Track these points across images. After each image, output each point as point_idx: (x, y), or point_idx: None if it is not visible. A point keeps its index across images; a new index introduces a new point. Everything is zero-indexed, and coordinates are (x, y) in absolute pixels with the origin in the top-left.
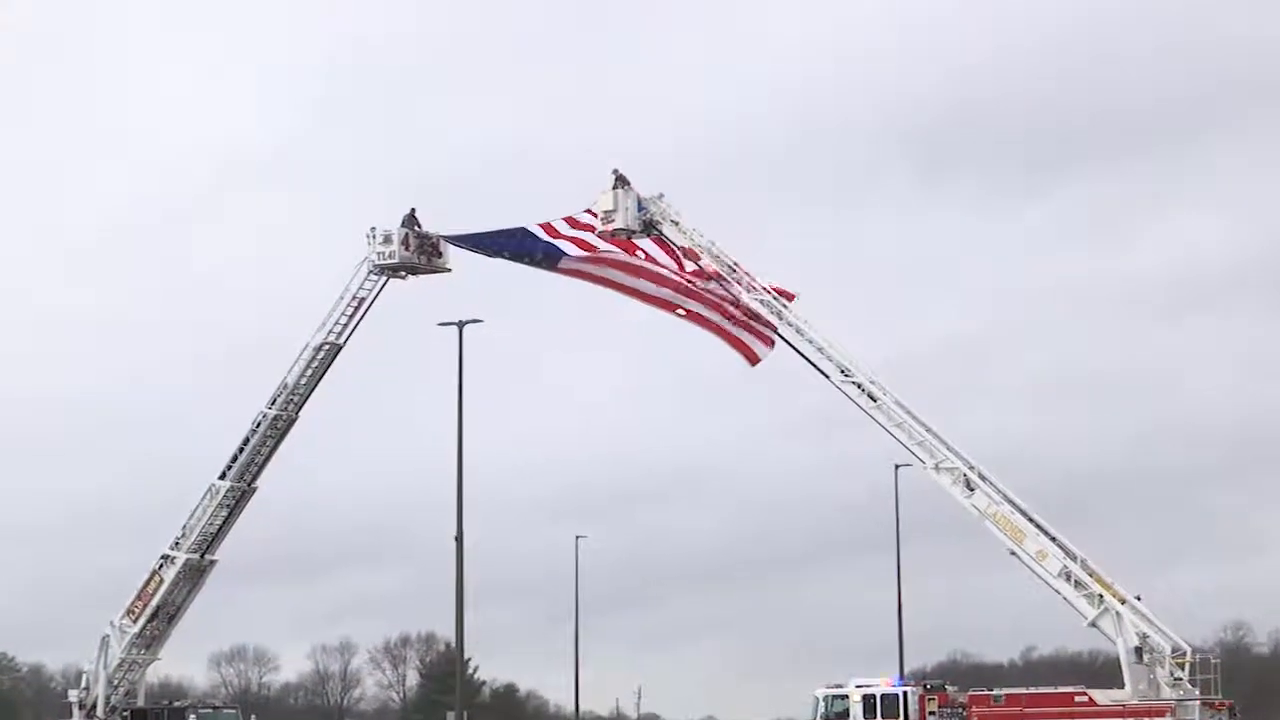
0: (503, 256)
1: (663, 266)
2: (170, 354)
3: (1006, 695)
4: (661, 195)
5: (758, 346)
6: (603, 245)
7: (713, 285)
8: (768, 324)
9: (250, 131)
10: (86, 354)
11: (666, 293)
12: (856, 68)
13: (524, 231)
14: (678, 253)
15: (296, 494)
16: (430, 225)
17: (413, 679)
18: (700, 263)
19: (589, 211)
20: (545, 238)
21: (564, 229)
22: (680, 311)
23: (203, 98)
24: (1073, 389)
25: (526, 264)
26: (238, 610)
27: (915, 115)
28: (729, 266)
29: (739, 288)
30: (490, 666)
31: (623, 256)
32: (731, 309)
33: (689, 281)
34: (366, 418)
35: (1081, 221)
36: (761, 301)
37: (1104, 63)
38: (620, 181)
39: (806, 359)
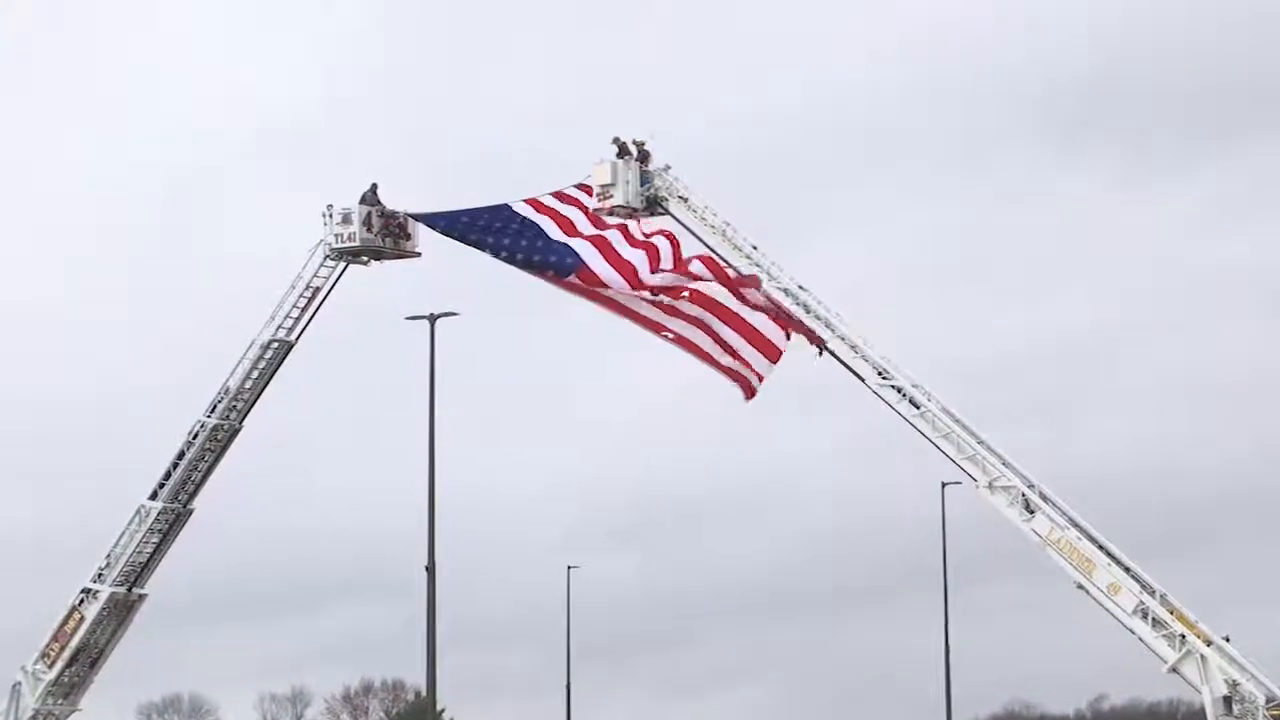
0: (467, 241)
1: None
2: (127, 358)
3: None
4: (668, 167)
5: (759, 365)
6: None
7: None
8: (784, 324)
9: (264, 111)
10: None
11: (649, 309)
12: (982, 24)
13: (507, 211)
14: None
15: (242, 518)
16: (410, 204)
17: None
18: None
19: (582, 186)
20: (532, 215)
21: (558, 209)
22: (668, 334)
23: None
24: (1208, 394)
25: (500, 257)
26: (172, 653)
27: (1050, 78)
28: (745, 253)
29: (759, 276)
30: (470, 718)
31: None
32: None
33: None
34: (326, 428)
35: (1239, 201)
36: (784, 291)
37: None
38: (622, 151)
39: (838, 359)
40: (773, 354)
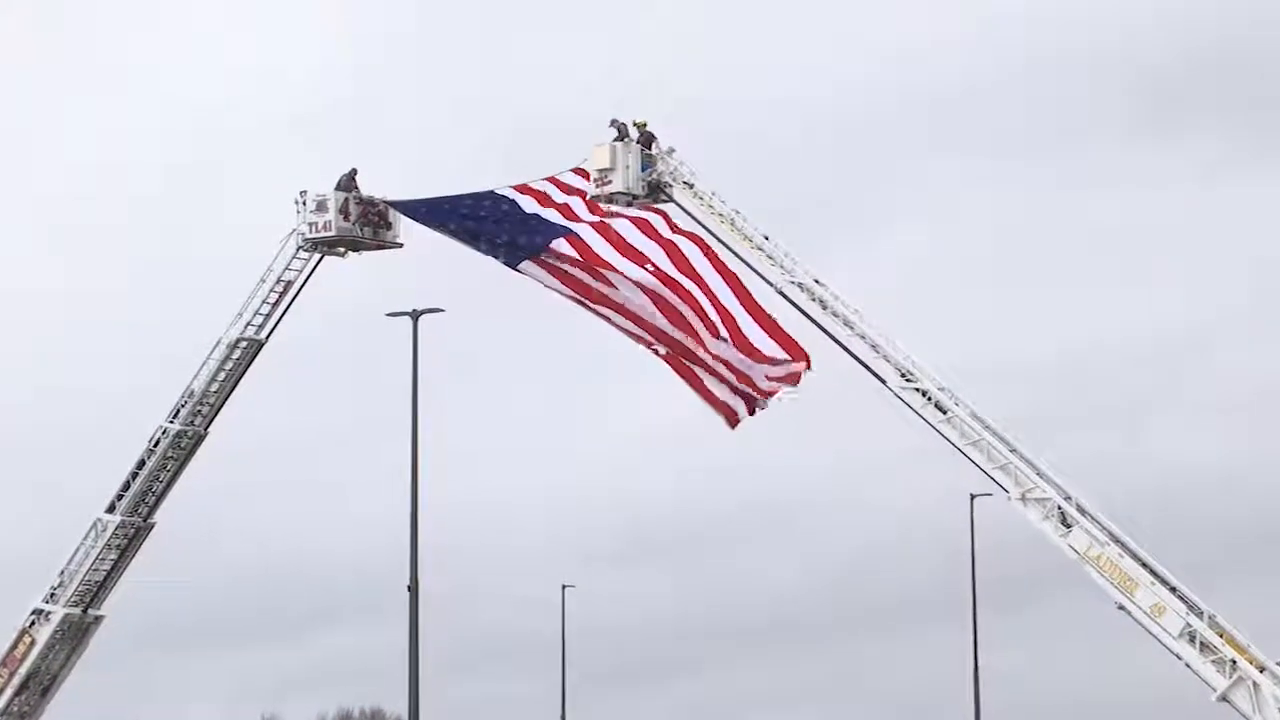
0: (449, 232)
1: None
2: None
3: None
4: (672, 150)
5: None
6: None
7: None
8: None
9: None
10: None
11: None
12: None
13: (494, 198)
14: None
15: (211, 533)
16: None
17: None
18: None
19: (578, 171)
20: (526, 208)
21: (555, 196)
22: (658, 350)
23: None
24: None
25: (485, 251)
26: (133, 680)
27: (1143, 53)
28: (756, 244)
29: (769, 269)
30: None
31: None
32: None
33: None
34: (300, 435)
35: None
36: (799, 285)
37: None
38: (621, 133)
39: (858, 359)
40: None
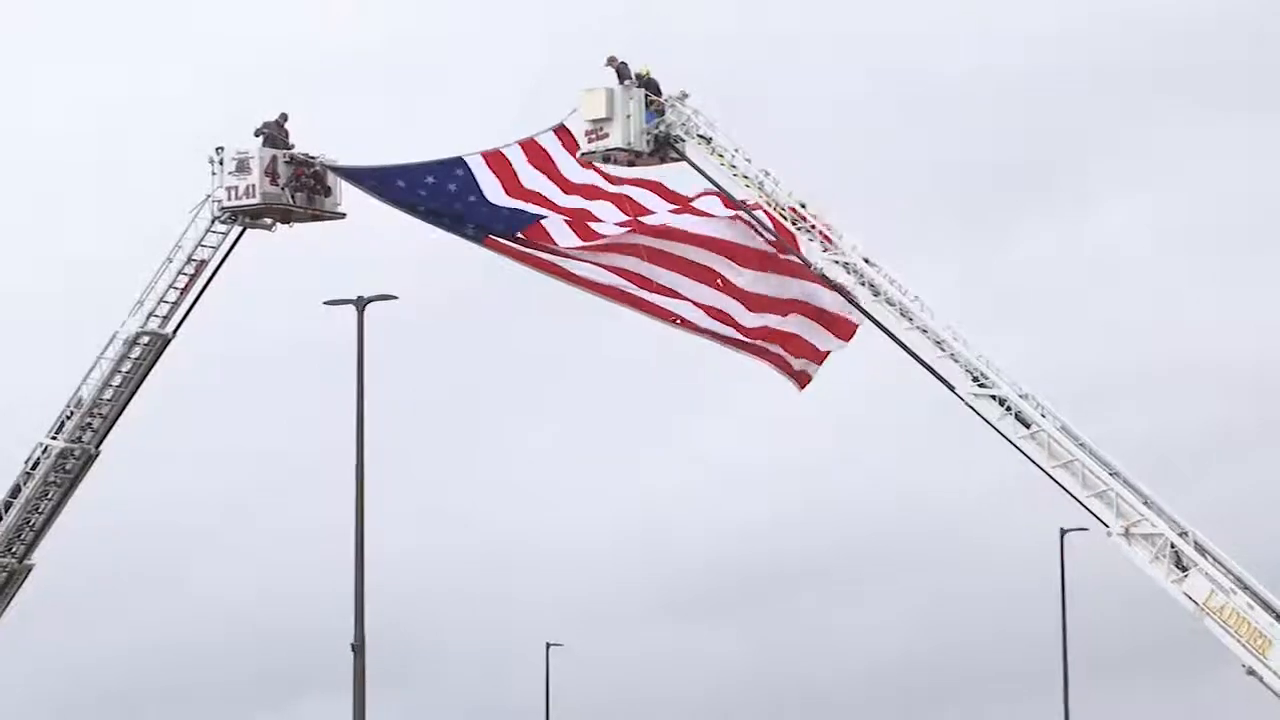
0: (414, 212)
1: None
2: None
3: None
4: (685, 95)
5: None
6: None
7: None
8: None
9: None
10: None
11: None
12: None
13: (459, 166)
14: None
15: (109, 577)
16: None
17: None
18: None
19: (562, 131)
20: (493, 198)
21: (523, 170)
22: (677, 321)
23: None
24: None
25: (446, 228)
26: None
27: None
28: (791, 212)
29: (807, 245)
30: None
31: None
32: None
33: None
34: (223, 455)
35: None
36: (845, 265)
37: None
38: (620, 74)
39: (918, 359)
40: (844, 331)
